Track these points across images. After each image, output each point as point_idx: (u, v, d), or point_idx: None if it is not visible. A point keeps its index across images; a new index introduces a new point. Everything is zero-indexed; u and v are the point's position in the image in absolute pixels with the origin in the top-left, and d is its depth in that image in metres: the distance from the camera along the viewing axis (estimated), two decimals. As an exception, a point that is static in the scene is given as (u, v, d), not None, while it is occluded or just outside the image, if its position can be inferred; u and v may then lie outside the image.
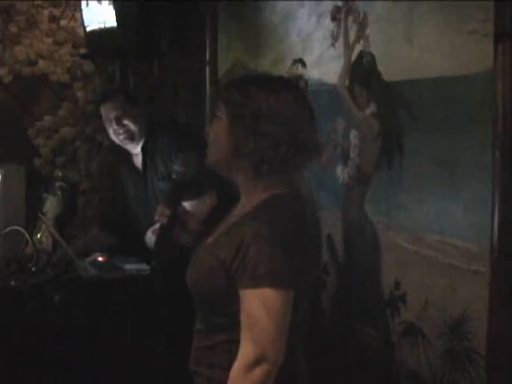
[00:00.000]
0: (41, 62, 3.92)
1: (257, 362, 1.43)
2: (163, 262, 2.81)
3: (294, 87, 1.65)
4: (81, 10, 3.80)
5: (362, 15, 2.39)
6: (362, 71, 2.40)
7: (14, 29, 3.85)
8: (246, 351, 1.45)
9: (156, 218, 1.75)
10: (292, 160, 1.55)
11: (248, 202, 1.60)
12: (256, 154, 1.54)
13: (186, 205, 2.46)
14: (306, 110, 1.59)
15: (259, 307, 1.45)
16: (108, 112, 3.02)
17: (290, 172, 1.59)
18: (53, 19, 3.95)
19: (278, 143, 1.53)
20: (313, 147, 1.59)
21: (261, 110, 1.54)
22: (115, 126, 3.00)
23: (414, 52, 2.13)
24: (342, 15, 2.51)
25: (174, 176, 1.75)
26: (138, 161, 3.09)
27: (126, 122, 2.98)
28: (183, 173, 1.75)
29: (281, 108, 1.54)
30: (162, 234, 1.76)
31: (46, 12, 3.92)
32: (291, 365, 1.58)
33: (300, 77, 2.77)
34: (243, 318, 1.47)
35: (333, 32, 2.56)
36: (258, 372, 1.43)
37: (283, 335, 1.47)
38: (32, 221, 3.20)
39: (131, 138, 3.00)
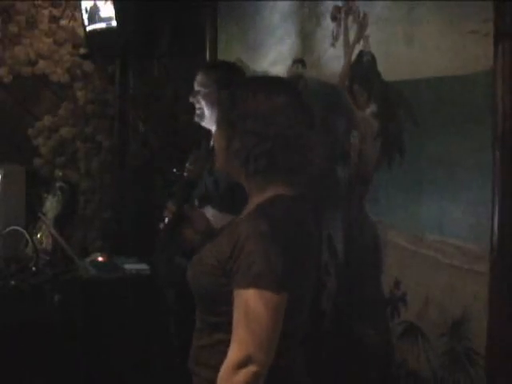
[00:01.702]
0: (41, 62, 3.92)
1: (244, 362, 1.42)
2: (164, 257, 2.82)
3: (287, 87, 1.66)
4: (81, 10, 3.80)
5: (361, 15, 2.39)
6: (361, 71, 2.40)
7: (14, 29, 3.85)
8: (234, 351, 1.45)
9: (164, 214, 1.77)
10: (280, 156, 1.55)
11: (251, 203, 1.61)
12: (243, 152, 1.56)
13: (208, 210, 2.46)
14: (298, 109, 1.59)
15: (251, 307, 1.44)
16: (196, 81, 2.86)
17: (286, 173, 1.59)
18: (53, 19, 3.95)
19: (264, 140, 1.54)
20: (304, 145, 1.59)
21: (247, 110, 1.56)
22: (193, 99, 2.85)
23: (414, 52, 2.13)
24: (342, 15, 2.51)
25: (184, 173, 1.77)
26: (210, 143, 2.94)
27: (202, 101, 2.82)
28: (190, 170, 1.76)
29: (268, 107, 1.56)
30: (165, 230, 1.78)
31: (45, 12, 3.92)
32: (289, 367, 1.58)
33: (300, 77, 2.77)
34: (235, 317, 1.47)
35: (333, 32, 2.56)
36: (245, 373, 1.42)
37: (273, 338, 1.45)
38: (32, 221, 3.20)
39: (201, 117, 2.84)
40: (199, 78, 2.86)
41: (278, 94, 1.59)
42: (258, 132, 1.55)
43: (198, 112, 2.85)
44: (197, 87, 2.85)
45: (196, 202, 2.61)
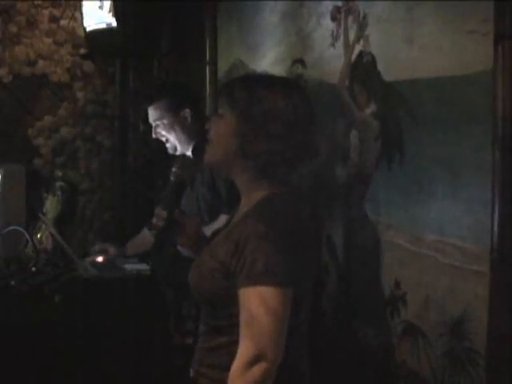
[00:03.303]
0: (41, 62, 3.93)
1: (255, 360, 1.43)
2: (160, 263, 2.83)
3: (298, 89, 1.64)
4: (81, 10, 3.80)
5: (362, 15, 2.39)
6: (361, 71, 2.40)
7: (13, 29, 3.86)
8: (244, 350, 1.46)
9: (153, 220, 1.75)
10: (298, 163, 1.56)
11: (247, 202, 1.61)
12: (264, 155, 1.53)
13: (222, 217, 2.46)
14: (309, 111, 1.59)
15: (257, 306, 1.44)
16: (150, 117, 2.87)
17: (289, 172, 1.59)
18: (53, 19, 3.95)
19: (287, 146, 1.53)
20: (313, 149, 1.59)
21: (270, 112, 1.53)
22: (155, 135, 2.86)
23: (414, 52, 2.13)
24: (342, 15, 2.50)
25: (171, 178, 1.75)
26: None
27: (163, 132, 2.83)
28: (178, 175, 1.75)
29: (289, 110, 1.54)
30: (159, 236, 1.76)
31: (46, 12, 3.93)
32: (296, 364, 1.59)
33: (300, 77, 2.77)
34: (242, 316, 1.47)
35: (333, 32, 2.56)
36: (257, 370, 1.43)
37: (282, 334, 1.46)
38: (32, 221, 3.20)
39: (173, 148, 2.84)
40: (150, 115, 2.86)
41: (295, 96, 1.56)
42: (283, 137, 1.52)
43: (168, 145, 2.85)
44: (153, 123, 2.85)
45: (206, 218, 2.61)
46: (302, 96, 1.59)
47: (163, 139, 2.86)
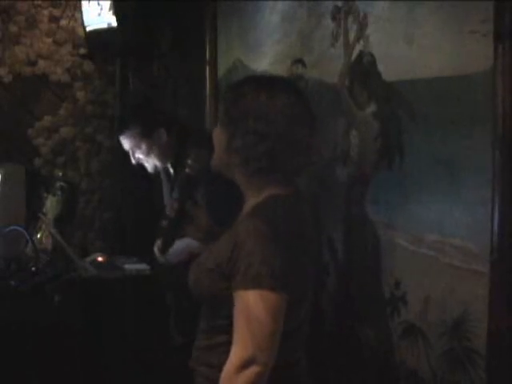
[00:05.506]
0: (41, 62, 3.93)
1: (247, 363, 1.43)
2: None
3: (290, 87, 1.65)
4: (81, 10, 3.81)
5: (361, 15, 2.39)
6: (361, 71, 2.40)
7: (14, 29, 3.86)
8: (236, 352, 1.45)
9: (167, 211, 1.77)
10: (279, 157, 1.55)
11: (247, 204, 1.61)
12: (243, 151, 1.55)
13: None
14: (300, 110, 1.59)
15: (250, 309, 1.44)
16: (124, 145, 2.84)
17: (286, 173, 1.59)
18: (53, 19, 3.96)
19: (264, 139, 1.53)
20: (305, 147, 1.58)
21: (251, 108, 1.55)
22: (135, 161, 2.83)
23: (414, 52, 2.14)
24: (342, 15, 2.51)
25: (186, 170, 1.76)
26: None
27: (142, 157, 2.80)
28: (192, 167, 1.76)
29: (271, 106, 1.55)
30: (169, 227, 1.78)
31: (45, 12, 3.93)
32: (294, 366, 1.59)
33: (300, 77, 2.77)
34: (235, 319, 1.47)
35: (333, 32, 2.56)
36: (248, 374, 1.43)
37: (274, 337, 1.46)
38: (32, 221, 3.20)
39: (153, 168, 2.81)
40: (124, 144, 2.82)
41: (281, 93, 1.58)
42: (259, 131, 1.54)
43: (147, 165, 2.81)
44: (127, 148, 2.82)
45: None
46: (292, 94, 1.60)
47: (143, 162, 2.83)
